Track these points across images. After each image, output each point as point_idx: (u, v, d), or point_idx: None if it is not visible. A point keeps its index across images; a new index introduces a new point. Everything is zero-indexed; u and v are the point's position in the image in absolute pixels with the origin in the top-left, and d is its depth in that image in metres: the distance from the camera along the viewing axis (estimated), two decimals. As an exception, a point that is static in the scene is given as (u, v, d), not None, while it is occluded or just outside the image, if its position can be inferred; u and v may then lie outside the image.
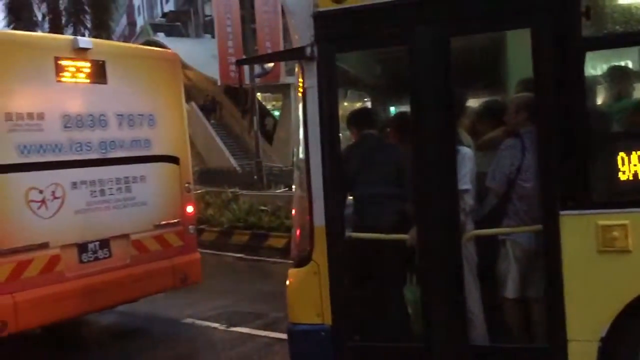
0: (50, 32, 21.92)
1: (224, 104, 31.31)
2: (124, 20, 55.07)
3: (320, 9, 4.02)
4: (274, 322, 6.61)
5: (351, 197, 4.71)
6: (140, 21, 54.03)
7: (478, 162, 4.30)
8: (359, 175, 4.56)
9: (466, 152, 4.13)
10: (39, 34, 5.70)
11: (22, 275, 5.38)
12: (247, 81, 16.43)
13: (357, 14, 3.99)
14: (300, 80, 4.30)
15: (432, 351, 3.95)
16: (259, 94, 34.81)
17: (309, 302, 4.28)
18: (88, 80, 5.96)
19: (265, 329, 6.38)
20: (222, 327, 6.63)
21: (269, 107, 36.41)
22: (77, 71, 5.85)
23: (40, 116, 5.55)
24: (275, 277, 9.73)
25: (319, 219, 4.18)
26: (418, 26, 3.85)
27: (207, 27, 41.79)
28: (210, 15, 42.33)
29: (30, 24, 23.41)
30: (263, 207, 12.41)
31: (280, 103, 33.39)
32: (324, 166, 4.15)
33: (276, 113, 32.63)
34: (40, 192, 5.54)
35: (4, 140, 5.30)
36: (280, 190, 15.21)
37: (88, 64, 5.93)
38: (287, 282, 4.44)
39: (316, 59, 4.12)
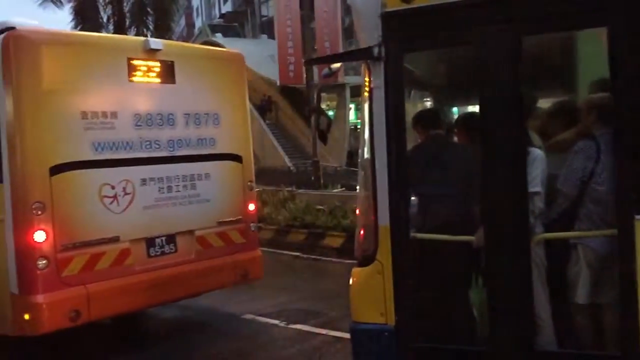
0: (114, 33, 22.65)
1: (279, 103, 31.64)
2: (182, 22, 56.33)
3: (388, 9, 4.01)
4: (333, 320, 6.66)
5: (415, 197, 4.69)
6: (198, 22, 55.22)
7: (548, 164, 4.21)
8: (425, 176, 4.55)
9: (537, 154, 4.05)
10: (112, 35, 5.92)
11: (95, 267, 5.61)
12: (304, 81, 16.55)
13: (425, 13, 3.96)
14: (367, 80, 4.31)
15: (497, 356, 3.90)
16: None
17: (372, 302, 4.29)
18: (158, 80, 6.16)
19: (324, 327, 6.43)
20: (282, 324, 6.72)
21: (323, 106, 36.63)
22: (147, 71, 6.06)
23: (114, 115, 5.78)
24: (333, 276, 9.80)
25: (384, 219, 4.18)
26: (489, 25, 3.80)
27: (264, 28, 42.31)
28: (266, 16, 42.86)
29: (96, 26, 24.23)
30: (319, 207, 12.48)
31: (334, 103, 33.54)
32: (390, 166, 4.15)
33: (330, 113, 32.75)
34: (113, 187, 5.76)
35: (80, 137, 5.54)
36: (337, 190, 15.26)
37: (158, 64, 6.13)
38: (351, 281, 4.46)
39: (383, 59, 4.11)
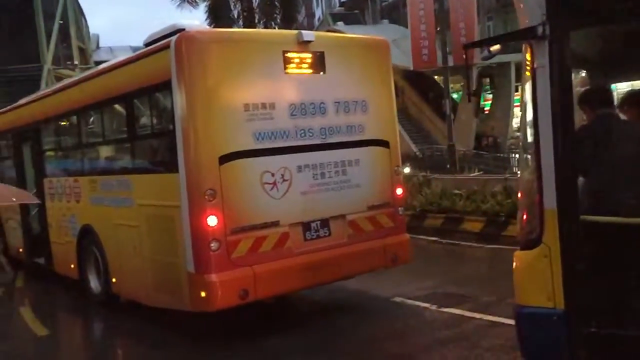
0: (244, 27, 23.62)
1: (404, 89, 31.44)
2: (302, 12, 57.43)
3: (554, -14, 3.90)
4: (486, 305, 6.59)
5: (582, 179, 4.55)
6: (318, 12, 56.00)
7: None
8: (595, 157, 4.38)
9: None
10: (269, 30, 6.25)
11: (259, 249, 5.99)
12: (440, 64, 16.31)
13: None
14: (529, 60, 4.22)
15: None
16: (436, 76, 34.53)
17: (539, 286, 4.21)
18: (310, 71, 6.42)
19: (478, 312, 6.38)
20: (433, 308, 6.76)
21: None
22: (300, 62, 6.33)
23: (272, 106, 6.10)
24: (475, 261, 9.70)
25: (550, 202, 4.09)
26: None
27: (384, 13, 42.11)
28: (387, 1, 42.60)
29: (228, 22, 25.42)
30: (457, 191, 12.33)
31: (458, 85, 32.81)
32: (556, 147, 4.04)
33: (454, 96, 32.11)
34: (272, 175, 6.10)
35: (243, 128, 5.92)
36: (475, 174, 14.96)
37: (310, 55, 6.37)
38: (514, 265, 4.42)
39: (548, 37, 4.01)
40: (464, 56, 5.19)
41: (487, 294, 7.08)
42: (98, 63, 41.69)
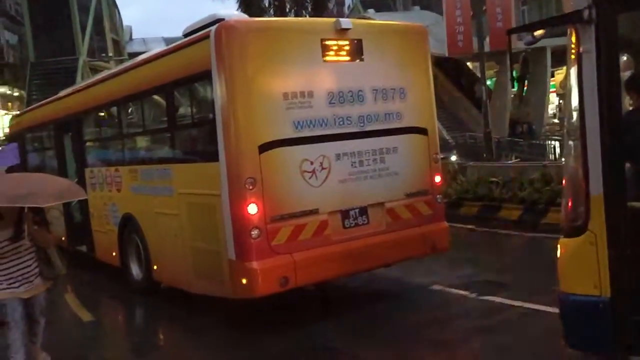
0: (275, 17, 23.65)
1: (436, 76, 31.08)
2: (332, 0, 57.05)
3: (602, -32, 3.82)
4: (527, 293, 6.52)
5: (628, 165, 4.46)
6: (348, 0, 55.61)
7: None
8: (642, 143, 4.29)
9: None
10: (306, 19, 6.21)
11: (298, 237, 6.03)
12: (475, 50, 16.07)
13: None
14: (574, 44, 4.15)
15: None
16: (468, 63, 34.05)
17: (584, 273, 4.17)
18: (348, 58, 6.41)
19: (519, 300, 6.31)
20: (473, 296, 6.73)
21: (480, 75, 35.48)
22: (339, 50, 6.32)
23: (310, 94, 6.12)
24: (514, 249, 9.61)
25: (596, 188, 4.04)
26: None
27: (415, -1, 41.64)
28: (418, -14, 42.09)
29: (259, 12, 25.49)
30: (493, 179, 12.19)
31: (492, 71, 32.30)
32: (603, 133, 3.99)
33: (487, 82, 31.65)
34: (311, 163, 6.12)
35: (282, 117, 5.95)
36: (512, 161, 14.76)
37: (348, 43, 6.36)
38: (558, 253, 4.37)
39: (594, 21, 3.93)
40: (508, 42, 5.13)
41: (527, 282, 7.01)
42: (131, 54, 42.25)
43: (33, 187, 4.96)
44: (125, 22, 55.17)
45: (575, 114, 4.25)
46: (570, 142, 4.47)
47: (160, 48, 8.45)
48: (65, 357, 5.94)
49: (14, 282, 5.15)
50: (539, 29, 4.97)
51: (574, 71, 4.19)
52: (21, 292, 5.19)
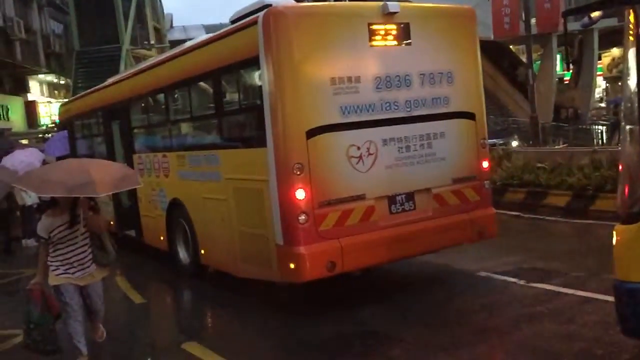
0: (321, 1, 23.52)
1: (478, 59, 30.44)
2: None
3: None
4: (578, 280, 6.41)
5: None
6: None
7: None
8: None
9: None
10: (354, 2, 6.11)
11: (345, 223, 6.05)
12: (522, 32, 15.64)
13: None
14: (632, 26, 4.03)
15: None
16: (511, 46, 33.28)
17: (641, 260, 4.07)
18: (395, 43, 6.35)
19: (569, 287, 6.20)
20: (521, 283, 6.63)
21: (523, 59, 34.67)
22: (386, 34, 6.26)
23: (357, 79, 6.09)
24: (562, 236, 9.42)
25: (656, 173, 3.92)
26: None
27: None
28: (460, -31, 41.17)
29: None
30: (540, 164, 11.95)
31: (537, 54, 31.53)
32: (663, 117, 3.86)
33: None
34: (358, 148, 6.11)
35: (330, 102, 5.95)
36: (560, 147, 14.44)
37: (395, 27, 6.30)
38: (614, 239, 4.27)
39: (655, 1, 3.80)
40: (564, 23, 4.97)
41: (578, 269, 6.88)
42: (172, 42, 42.68)
43: (90, 176, 5.06)
44: (165, 10, 55.81)
45: (633, 98, 4.13)
46: (628, 127, 4.35)
47: (201, 35, 8.52)
48: (120, 338, 6.12)
49: (70, 268, 5.30)
50: (596, 10, 4.83)
51: (632, 53, 4.07)
52: (77, 279, 5.34)
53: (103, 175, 5.21)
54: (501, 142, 18.03)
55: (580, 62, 26.61)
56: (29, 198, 12.04)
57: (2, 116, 28.96)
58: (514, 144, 16.50)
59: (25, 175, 6.40)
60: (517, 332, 5.29)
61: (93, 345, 5.59)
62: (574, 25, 22.32)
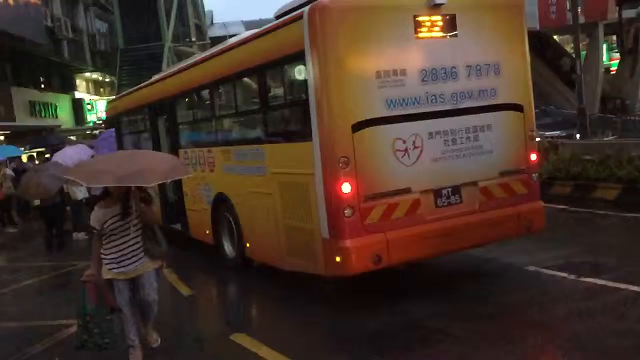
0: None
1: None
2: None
3: None
4: (631, 275, 6.25)
5: None
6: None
7: None
8: None
9: None
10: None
11: (391, 216, 6.04)
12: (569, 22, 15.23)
13: None
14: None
15: None
16: (555, 36, 32.48)
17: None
18: (441, 35, 6.29)
19: (622, 282, 6.06)
20: (572, 277, 6.50)
21: (568, 49, 33.83)
22: (431, 26, 6.21)
23: (403, 72, 6.06)
24: (611, 230, 9.19)
25: None
26: None
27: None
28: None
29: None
30: (588, 157, 11.66)
31: (583, 44, 30.72)
32: None
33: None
34: (404, 142, 6.09)
35: (375, 95, 5.94)
36: (609, 139, 14.07)
37: (441, 19, 6.24)
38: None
39: None
40: (619, 12, 4.81)
41: (629, 264, 6.71)
42: (213, 39, 43.16)
43: (140, 166, 5.16)
44: (206, 7, 56.50)
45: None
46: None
47: (240, 31, 8.59)
48: (169, 329, 6.25)
49: (123, 260, 5.39)
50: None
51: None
52: (131, 271, 5.44)
53: (152, 166, 5.30)
54: (564, 134, 17.51)
55: (636, 52, 25.64)
56: (80, 193, 12.40)
57: (50, 114, 29.88)
58: (577, 136, 16.04)
59: (75, 167, 6.58)
60: (568, 327, 5.20)
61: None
62: (628, 13, 21.66)
